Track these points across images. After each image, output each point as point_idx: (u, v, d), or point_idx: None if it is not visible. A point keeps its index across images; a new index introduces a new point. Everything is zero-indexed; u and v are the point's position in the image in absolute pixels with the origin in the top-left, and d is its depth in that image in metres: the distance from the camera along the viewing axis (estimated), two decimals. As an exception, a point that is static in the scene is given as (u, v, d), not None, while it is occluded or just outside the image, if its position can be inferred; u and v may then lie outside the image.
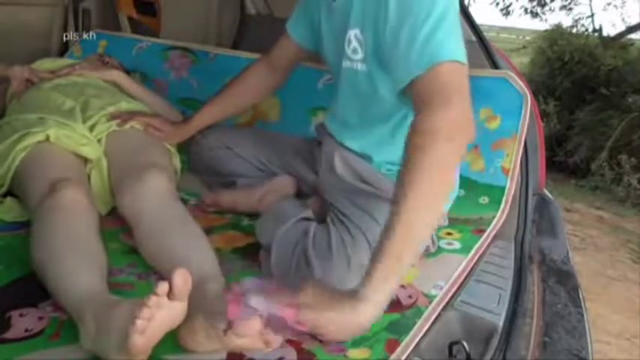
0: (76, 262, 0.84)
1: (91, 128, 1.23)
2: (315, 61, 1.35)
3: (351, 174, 1.08)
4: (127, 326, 0.66)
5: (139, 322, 0.65)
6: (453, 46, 0.83)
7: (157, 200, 1.02)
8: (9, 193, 1.14)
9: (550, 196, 1.63)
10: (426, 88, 0.82)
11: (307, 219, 1.05)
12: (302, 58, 1.29)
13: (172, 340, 0.76)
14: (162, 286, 0.67)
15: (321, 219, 1.07)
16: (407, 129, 0.81)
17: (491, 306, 0.97)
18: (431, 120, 0.77)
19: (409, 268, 0.76)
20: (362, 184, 1.06)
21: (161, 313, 0.68)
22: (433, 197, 0.75)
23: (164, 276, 0.89)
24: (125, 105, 1.36)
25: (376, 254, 0.73)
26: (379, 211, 0.97)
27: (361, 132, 1.09)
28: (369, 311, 0.72)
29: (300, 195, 1.25)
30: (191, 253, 0.92)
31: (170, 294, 0.68)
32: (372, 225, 0.96)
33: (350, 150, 1.10)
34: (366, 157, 1.09)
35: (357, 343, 0.83)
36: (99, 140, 1.22)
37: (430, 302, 0.95)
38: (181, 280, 0.69)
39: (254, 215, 1.20)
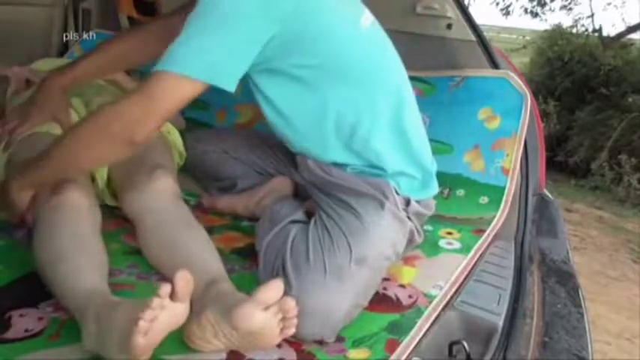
0: (80, 262, 0.84)
1: None
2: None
3: (323, 173, 1.06)
4: (130, 327, 0.66)
5: (141, 324, 0.65)
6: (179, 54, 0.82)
7: (162, 200, 1.02)
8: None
9: (550, 196, 1.63)
10: None
11: (297, 221, 1.04)
12: None
13: (173, 340, 0.76)
14: (165, 288, 0.68)
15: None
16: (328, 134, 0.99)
17: (492, 306, 0.97)
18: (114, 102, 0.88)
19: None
20: (337, 180, 1.03)
21: (164, 314, 0.68)
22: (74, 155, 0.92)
23: (167, 276, 0.89)
24: None
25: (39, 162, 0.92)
26: (361, 206, 0.96)
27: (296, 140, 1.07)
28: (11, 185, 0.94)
29: (297, 196, 1.24)
30: (196, 254, 0.92)
31: (172, 295, 0.69)
32: (355, 223, 0.94)
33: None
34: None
35: (357, 343, 0.83)
36: None
37: (430, 302, 0.95)
38: (184, 281, 0.69)
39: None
